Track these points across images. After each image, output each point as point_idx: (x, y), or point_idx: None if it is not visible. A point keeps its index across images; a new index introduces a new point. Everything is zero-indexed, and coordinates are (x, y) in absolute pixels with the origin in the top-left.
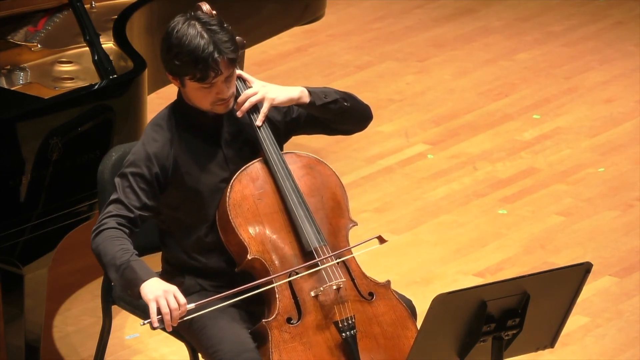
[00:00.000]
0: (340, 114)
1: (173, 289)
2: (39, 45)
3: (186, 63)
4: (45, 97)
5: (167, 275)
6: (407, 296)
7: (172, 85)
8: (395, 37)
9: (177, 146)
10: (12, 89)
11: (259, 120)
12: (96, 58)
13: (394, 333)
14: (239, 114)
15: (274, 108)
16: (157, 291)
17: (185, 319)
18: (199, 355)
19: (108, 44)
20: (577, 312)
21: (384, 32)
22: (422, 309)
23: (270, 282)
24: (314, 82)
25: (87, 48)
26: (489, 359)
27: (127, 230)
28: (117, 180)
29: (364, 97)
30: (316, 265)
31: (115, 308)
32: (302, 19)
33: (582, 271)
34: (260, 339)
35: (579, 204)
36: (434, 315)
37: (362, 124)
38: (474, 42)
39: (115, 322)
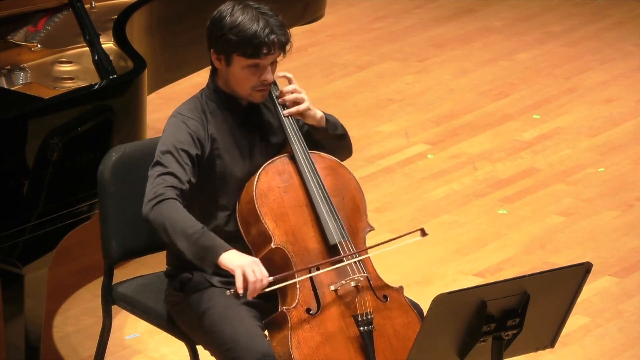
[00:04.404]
0: (337, 144)
1: (257, 260)
2: (39, 45)
3: (242, 38)
4: (45, 97)
5: (175, 271)
6: (407, 295)
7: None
8: (395, 37)
9: (213, 129)
10: (12, 89)
11: (287, 112)
12: (96, 58)
13: (405, 336)
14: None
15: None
16: (243, 260)
17: (265, 290)
18: (199, 355)
19: (108, 44)
20: (577, 312)
21: (384, 32)
22: (422, 309)
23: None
24: (314, 82)
25: (87, 48)
26: (489, 359)
27: (182, 203)
28: (160, 157)
29: (363, 97)
30: (341, 260)
31: (115, 308)
32: (302, 19)
33: (582, 271)
34: (278, 327)
35: (579, 204)
36: (434, 315)
37: (345, 157)
38: (474, 42)
39: (115, 322)
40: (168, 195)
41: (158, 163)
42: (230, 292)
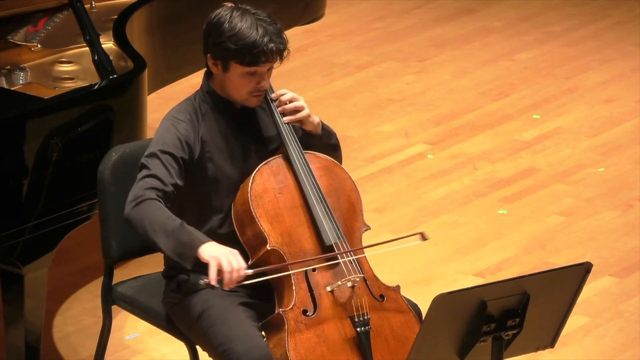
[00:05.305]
0: (328, 154)
1: (234, 251)
2: (39, 45)
3: (241, 46)
4: (45, 97)
5: (171, 272)
6: (407, 295)
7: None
8: (395, 37)
9: (204, 131)
10: (12, 89)
11: (286, 119)
12: (96, 58)
13: (403, 336)
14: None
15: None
16: (219, 251)
17: (242, 283)
18: (199, 355)
19: (108, 44)
20: (577, 312)
21: (384, 32)
22: (422, 309)
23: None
24: (314, 82)
25: (87, 48)
26: (489, 359)
27: (164, 204)
28: (146, 160)
29: (363, 97)
30: (335, 258)
31: (115, 308)
32: (302, 19)
33: (582, 271)
34: (275, 329)
35: (579, 204)
36: (434, 315)
37: None
38: (474, 42)
39: (115, 322)
40: (148, 195)
41: (143, 166)
42: (204, 281)
